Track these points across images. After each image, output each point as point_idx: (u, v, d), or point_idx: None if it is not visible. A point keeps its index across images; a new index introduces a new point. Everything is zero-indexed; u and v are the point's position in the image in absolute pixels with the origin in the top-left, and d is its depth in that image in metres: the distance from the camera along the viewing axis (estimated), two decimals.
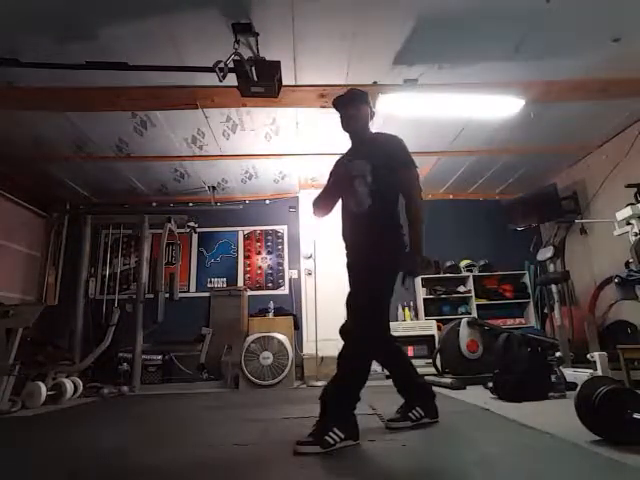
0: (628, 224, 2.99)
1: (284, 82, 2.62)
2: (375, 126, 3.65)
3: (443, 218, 5.22)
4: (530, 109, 3.32)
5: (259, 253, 5.18)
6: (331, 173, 2.09)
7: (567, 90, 3.15)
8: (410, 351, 4.44)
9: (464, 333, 3.74)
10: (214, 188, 4.97)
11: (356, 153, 1.99)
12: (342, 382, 1.71)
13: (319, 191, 2.11)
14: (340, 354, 1.75)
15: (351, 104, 1.99)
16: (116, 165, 4.27)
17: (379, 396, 2.94)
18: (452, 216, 5.26)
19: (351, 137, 2.06)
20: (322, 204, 2.08)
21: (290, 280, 5.06)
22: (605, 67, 2.93)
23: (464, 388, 3.21)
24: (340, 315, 1.87)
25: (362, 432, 1.81)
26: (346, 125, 2.02)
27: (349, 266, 1.97)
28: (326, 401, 1.68)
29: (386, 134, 2.05)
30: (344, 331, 1.80)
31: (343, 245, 2.01)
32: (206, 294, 4.92)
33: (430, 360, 4.05)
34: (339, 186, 1.99)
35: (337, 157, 2.14)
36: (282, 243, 5.21)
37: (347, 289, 1.88)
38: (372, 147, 1.96)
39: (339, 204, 2.04)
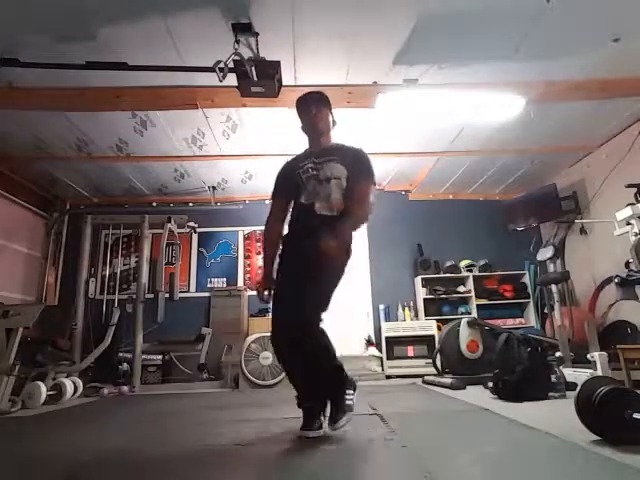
0: (628, 224, 2.99)
1: (284, 82, 2.62)
2: (375, 126, 3.69)
3: (443, 218, 5.24)
4: (530, 109, 3.32)
5: (259, 253, 5.17)
6: (284, 175, 2.00)
7: (567, 90, 3.15)
8: (410, 351, 4.45)
9: (464, 333, 3.74)
10: (214, 188, 4.97)
11: (324, 156, 1.90)
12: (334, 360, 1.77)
13: None
14: (318, 344, 1.73)
15: (318, 104, 1.96)
16: (116, 165, 4.27)
17: (379, 396, 2.94)
18: (452, 216, 5.26)
19: (313, 139, 1.99)
20: (280, 216, 1.98)
21: None
22: (605, 67, 2.93)
23: (464, 388, 3.21)
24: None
25: (362, 432, 1.82)
26: (313, 123, 1.94)
27: (302, 266, 1.78)
28: (330, 381, 1.76)
29: (351, 145, 1.98)
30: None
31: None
32: (206, 294, 4.93)
33: (430, 360, 4.06)
34: (301, 187, 1.87)
35: None
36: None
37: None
38: (341, 153, 1.91)
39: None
